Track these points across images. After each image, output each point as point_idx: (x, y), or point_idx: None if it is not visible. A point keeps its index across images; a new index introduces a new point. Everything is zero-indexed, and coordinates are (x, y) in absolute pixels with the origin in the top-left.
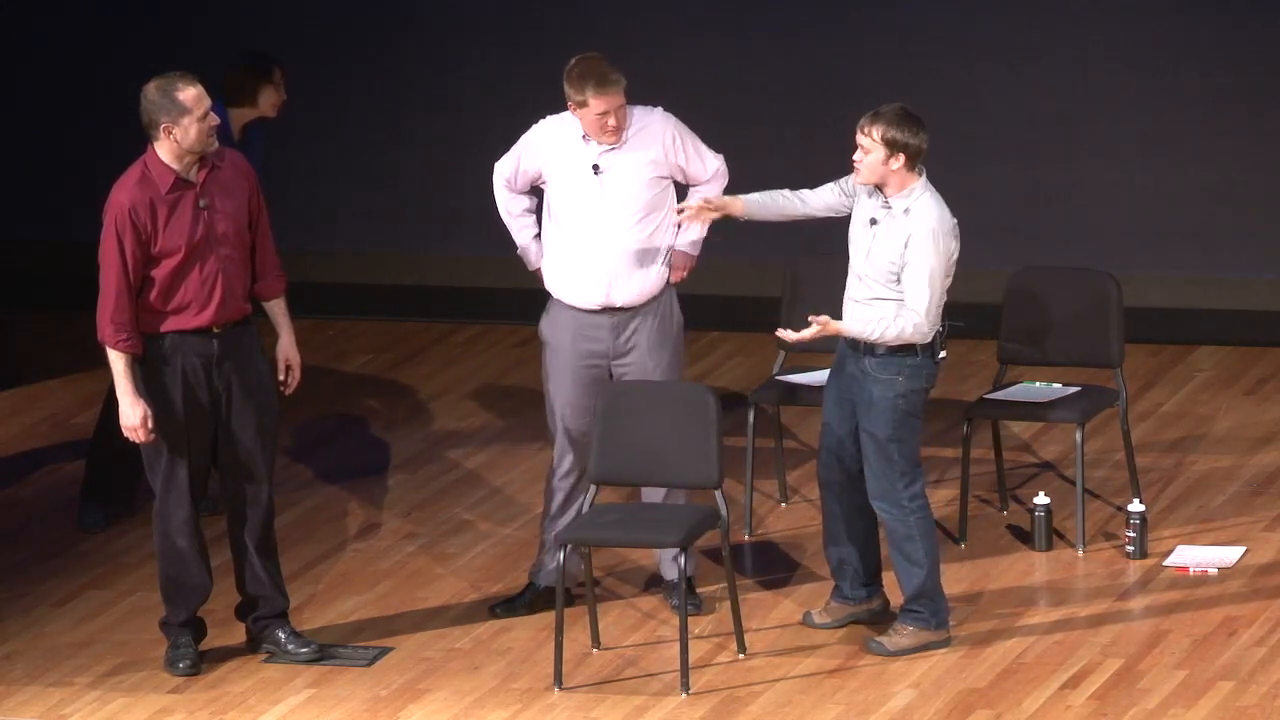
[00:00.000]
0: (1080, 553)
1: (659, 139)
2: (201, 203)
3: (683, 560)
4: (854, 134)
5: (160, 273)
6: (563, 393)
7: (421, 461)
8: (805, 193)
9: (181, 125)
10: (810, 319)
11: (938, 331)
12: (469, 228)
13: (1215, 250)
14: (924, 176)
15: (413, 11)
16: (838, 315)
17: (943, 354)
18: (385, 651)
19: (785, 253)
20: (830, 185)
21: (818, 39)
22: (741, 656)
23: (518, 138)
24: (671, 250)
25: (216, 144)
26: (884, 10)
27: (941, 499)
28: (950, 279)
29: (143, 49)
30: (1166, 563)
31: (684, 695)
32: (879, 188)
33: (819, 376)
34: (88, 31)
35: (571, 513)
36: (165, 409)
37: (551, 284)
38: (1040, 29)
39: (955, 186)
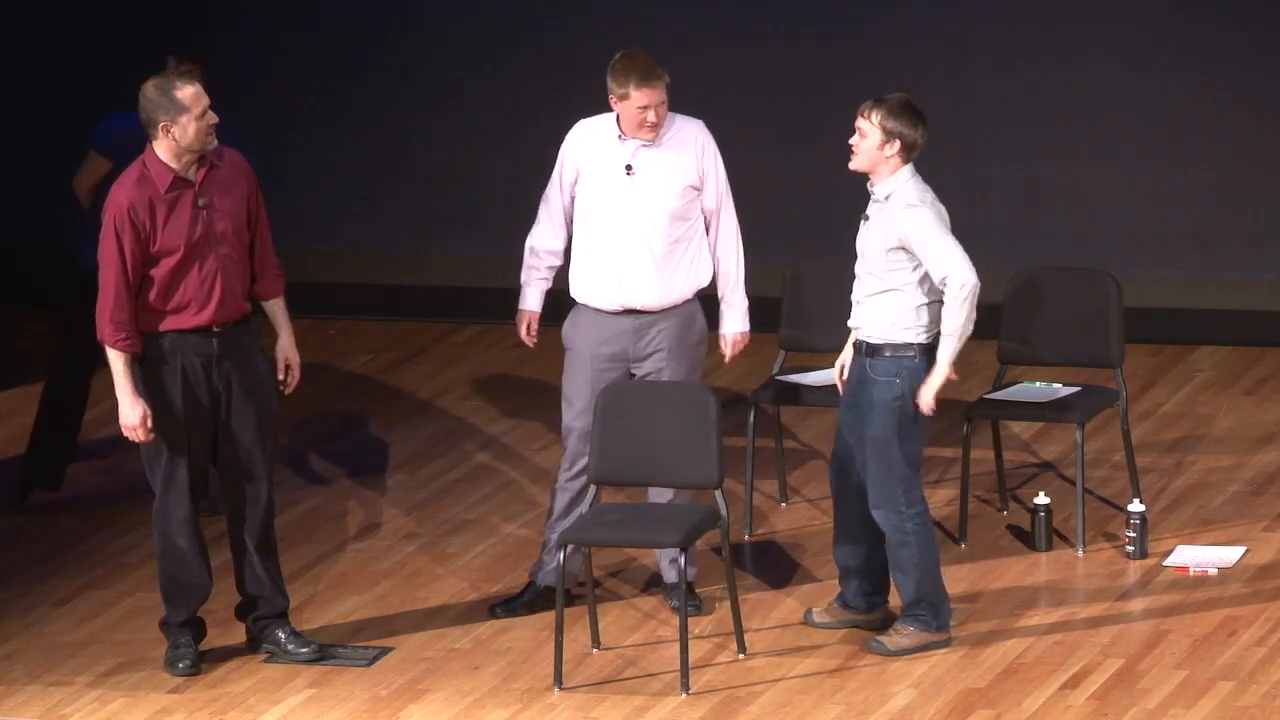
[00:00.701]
0: (1080, 553)
1: (693, 144)
2: (200, 202)
3: (682, 560)
4: (854, 134)
5: (159, 272)
6: (579, 395)
7: (421, 461)
8: None
9: (180, 124)
10: (924, 408)
11: (937, 333)
12: (469, 228)
13: (1215, 250)
14: (911, 167)
15: (412, 11)
16: (838, 316)
17: None
18: (385, 651)
19: (785, 253)
20: None
21: (818, 39)
22: (741, 656)
23: (518, 137)
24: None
25: (215, 142)
26: (885, 10)
27: (941, 499)
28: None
29: (143, 49)
30: (1166, 563)
31: (684, 695)
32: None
33: (819, 376)
34: (88, 31)
35: (576, 515)
36: (165, 408)
37: (575, 286)
38: (1040, 29)
39: (955, 186)
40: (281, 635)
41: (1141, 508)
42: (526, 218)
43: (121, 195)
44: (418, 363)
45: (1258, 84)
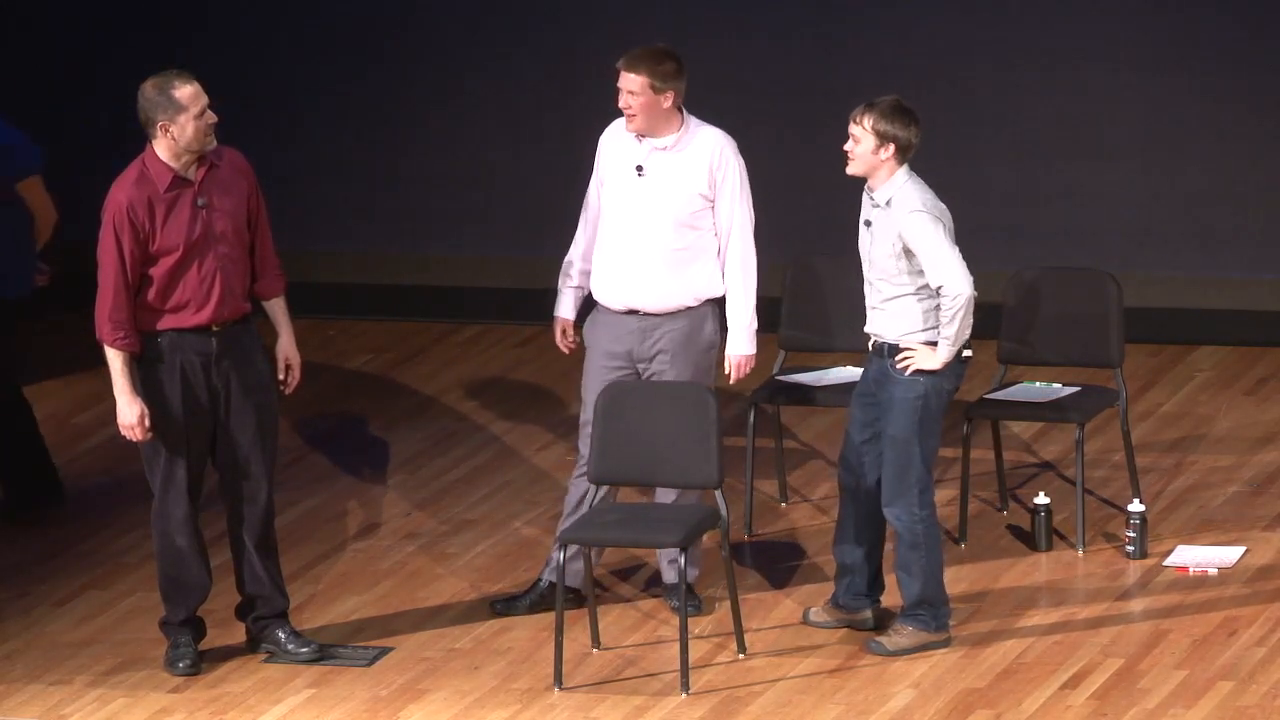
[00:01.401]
0: (1080, 553)
1: (709, 153)
2: (200, 201)
3: (682, 560)
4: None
5: (158, 271)
6: (592, 393)
7: (421, 461)
8: None
9: (179, 123)
10: (900, 363)
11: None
12: (469, 228)
13: (1215, 250)
14: (907, 167)
15: (412, 11)
16: (838, 315)
17: (968, 353)
18: (385, 651)
19: (785, 253)
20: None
21: (818, 39)
22: (741, 656)
23: (518, 137)
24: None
25: (214, 142)
26: (884, 10)
27: (941, 499)
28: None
29: (143, 49)
30: (1166, 563)
31: (684, 695)
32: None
33: (819, 376)
34: (88, 31)
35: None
36: (163, 408)
37: (592, 284)
38: (1039, 29)
39: (955, 186)
40: (281, 635)
41: (1141, 508)
42: (527, 217)
43: (121, 194)
44: (418, 363)
45: (1258, 84)
